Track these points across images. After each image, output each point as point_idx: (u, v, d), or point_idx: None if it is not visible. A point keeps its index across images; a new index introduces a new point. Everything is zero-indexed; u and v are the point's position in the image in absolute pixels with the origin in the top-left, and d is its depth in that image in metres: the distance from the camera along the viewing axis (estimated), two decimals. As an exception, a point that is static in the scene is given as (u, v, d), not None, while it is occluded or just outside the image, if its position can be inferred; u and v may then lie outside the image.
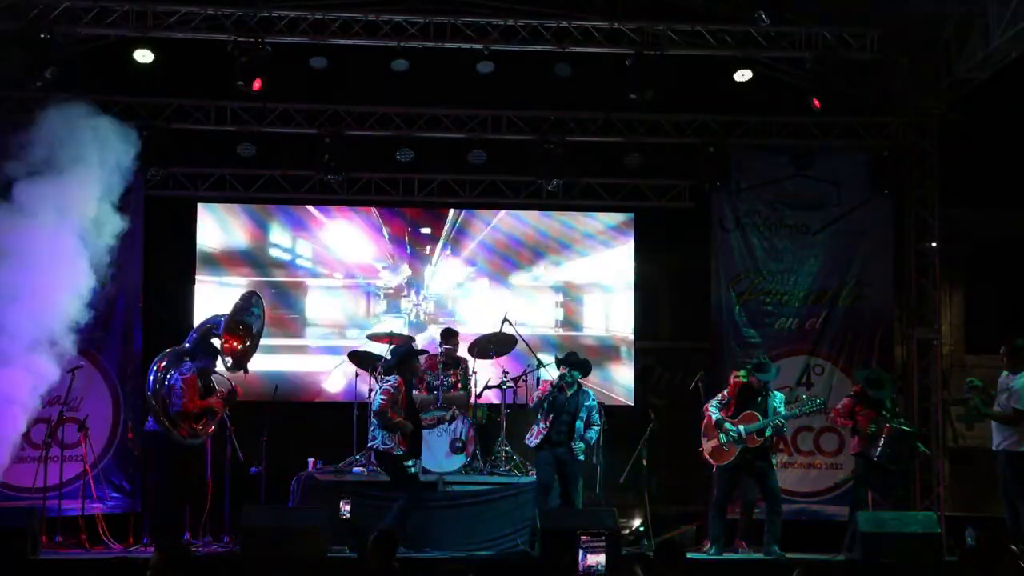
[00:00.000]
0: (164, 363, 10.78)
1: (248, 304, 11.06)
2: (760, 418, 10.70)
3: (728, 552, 11.12)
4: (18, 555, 9.53)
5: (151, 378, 10.76)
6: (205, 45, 12.43)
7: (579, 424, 10.86)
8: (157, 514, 10.67)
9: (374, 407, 10.54)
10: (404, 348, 11.19)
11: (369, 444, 10.71)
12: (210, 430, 10.85)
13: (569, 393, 10.90)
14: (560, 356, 11.34)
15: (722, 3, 13.05)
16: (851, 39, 12.89)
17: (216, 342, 10.89)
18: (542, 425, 10.92)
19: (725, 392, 10.99)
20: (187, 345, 10.93)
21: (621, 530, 11.34)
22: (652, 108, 13.44)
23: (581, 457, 10.96)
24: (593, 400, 11.07)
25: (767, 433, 10.76)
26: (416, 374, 11.08)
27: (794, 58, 13.16)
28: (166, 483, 10.60)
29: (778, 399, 10.93)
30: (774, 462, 11.18)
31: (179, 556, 5.84)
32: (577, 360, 11.11)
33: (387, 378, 10.74)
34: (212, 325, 10.97)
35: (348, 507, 9.54)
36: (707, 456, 10.91)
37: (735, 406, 10.83)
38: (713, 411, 10.85)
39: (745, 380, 11.00)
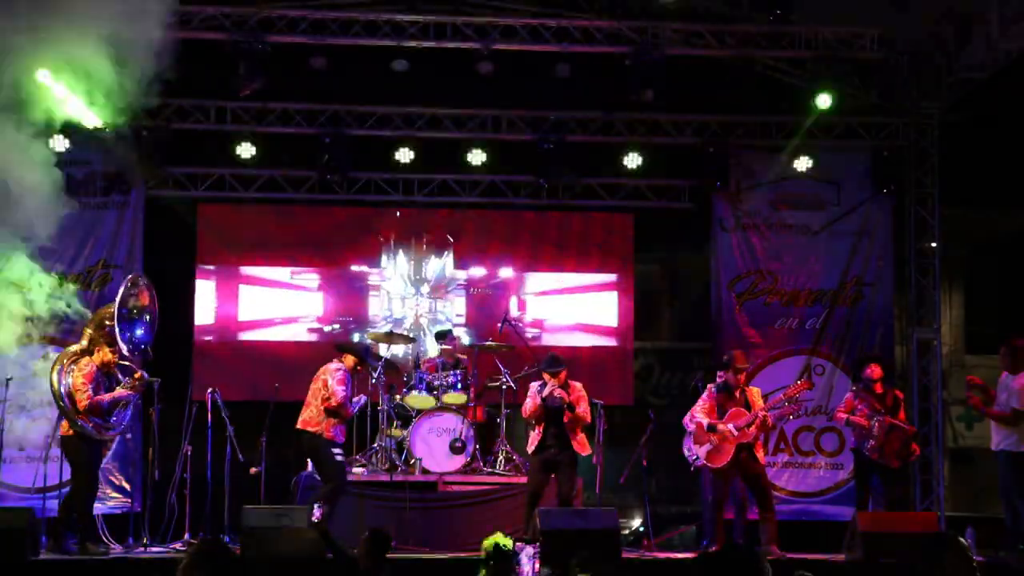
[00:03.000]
0: (62, 364, 10.56)
1: (132, 287, 10.82)
2: (746, 412, 10.73)
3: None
4: (18, 555, 9.51)
5: (53, 383, 10.40)
6: (205, 45, 12.43)
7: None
8: (83, 518, 10.52)
9: (338, 398, 10.44)
10: (365, 345, 11.17)
11: (303, 428, 10.57)
12: (128, 421, 10.65)
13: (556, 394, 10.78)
14: (542, 363, 11.20)
15: (722, 3, 13.06)
16: (851, 39, 12.91)
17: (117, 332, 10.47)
18: (537, 431, 10.80)
19: (704, 396, 10.98)
20: (85, 342, 10.74)
21: (621, 530, 11.33)
22: (652, 108, 13.44)
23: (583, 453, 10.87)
24: (579, 391, 10.90)
25: (754, 425, 10.75)
26: (354, 373, 10.97)
27: (794, 58, 13.18)
28: (86, 487, 10.49)
29: (755, 393, 10.97)
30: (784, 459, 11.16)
31: (214, 552, 5.73)
32: (544, 362, 11.02)
33: (335, 366, 10.66)
34: (106, 316, 10.61)
35: (319, 511, 9.55)
36: (703, 461, 10.87)
37: (717, 408, 10.84)
38: (700, 417, 10.82)
39: (721, 380, 11.02)
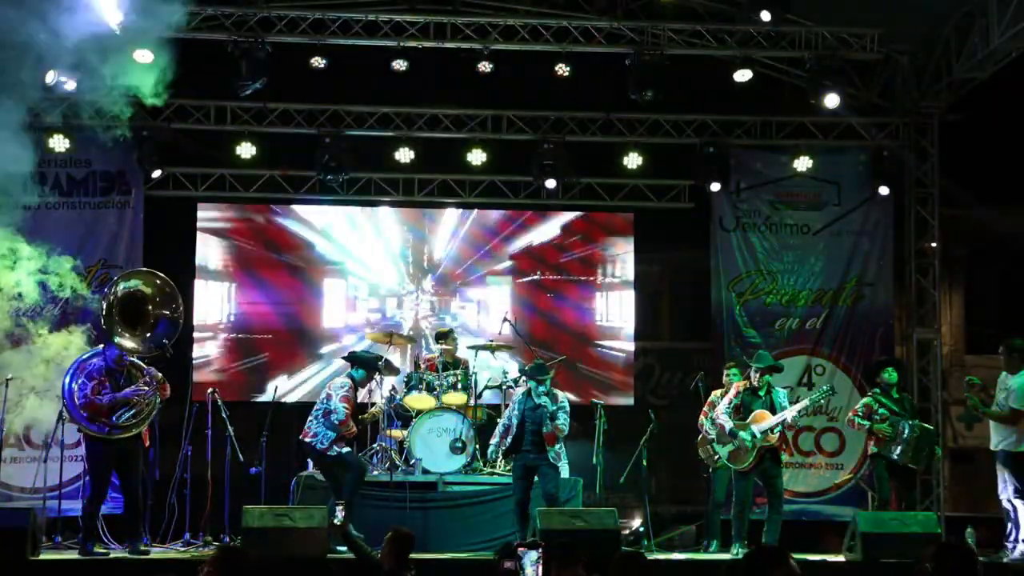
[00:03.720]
0: (75, 366, 10.48)
1: (122, 278, 10.57)
2: (770, 415, 10.62)
3: (725, 552, 11.09)
4: (18, 555, 9.51)
5: (65, 384, 10.29)
6: (205, 45, 12.43)
7: (546, 429, 10.68)
8: (85, 518, 10.37)
9: (339, 416, 10.43)
10: (373, 358, 11.10)
11: (308, 440, 10.58)
12: (137, 421, 10.18)
13: (538, 401, 10.72)
14: (525, 368, 11.17)
15: (722, 3, 13.06)
16: (851, 39, 12.91)
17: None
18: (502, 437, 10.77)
19: (731, 395, 10.91)
20: (102, 346, 10.66)
21: (621, 530, 11.32)
22: (652, 108, 13.45)
23: (558, 462, 10.81)
24: (563, 401, 10.87)
25: (779, 428, 10.69)
26: (364, 386, 10.99)
27: (794, 58, 13.18)
28: (92, 488, 10.48)
29: (781, 395, 10.84)
30: (783, 459, 11.13)
31: (233, 560, 5.74)
32: (530, 369, 11.00)
33: (341, 383, 10.68)
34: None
35: (341, 513, 9.56)
36: (727, 461, 10.82)
37: (742, 409, 10.74)
38: (726, 420, 10.70)
39: (741, 379, 10.94)
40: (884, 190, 13.54)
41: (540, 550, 6.88)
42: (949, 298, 15.96)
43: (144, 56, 11.48)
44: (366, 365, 10.82)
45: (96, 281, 12.97)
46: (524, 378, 10.99)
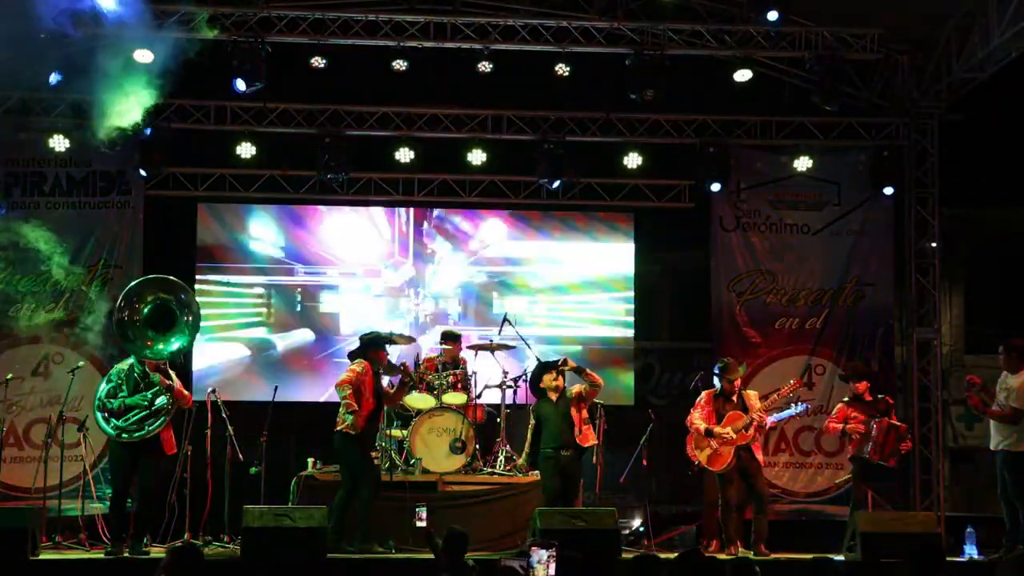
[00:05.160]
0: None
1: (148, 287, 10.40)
2: (744, 415, 10.77)
3: (722, 554, 11.10)
4: (18, 555, 9.51)
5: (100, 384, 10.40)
6: (205, 45, 12.43)
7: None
8: (109, 516, 10.55)
9: (337, 381, 10.56)
10: (371, 336, 11.09)
11: (339, 428, 10.55)
12: (145, 426, 10.07)
13: (555, 396, 10.82)
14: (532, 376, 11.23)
15: (722, 3, 13.06)
16: (851, 39, 12.92)
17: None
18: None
19: (702, 403, 10.98)
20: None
21: (621, 530, 11.32)
22: (652, 108, 13.46)
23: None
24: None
25: (752, 426, 10.80)
26: (381, 362, 10.95)
27: (794, 58, 13.18)
28: (112, 488, 10.47)
29: (752, 396, 11.00)
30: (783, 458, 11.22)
31: (188, 556, 5.83)
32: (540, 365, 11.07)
33: (354, 366, 10.71)
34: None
35: (424, 514, 9.53)
36: (705, 464, 10.90)
37: (715, 413, 10.86)
38: (699, 423, 10.85)
39: (717, 387, 11.01)
40: (885, 190, 13.56)
41: (552, 549, 6.89)
42: (949, 298, 15.96)
43: (144, 56, 11.50)
44: (372, 343, 10.80)
45: (97, 281, 12.96)
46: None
